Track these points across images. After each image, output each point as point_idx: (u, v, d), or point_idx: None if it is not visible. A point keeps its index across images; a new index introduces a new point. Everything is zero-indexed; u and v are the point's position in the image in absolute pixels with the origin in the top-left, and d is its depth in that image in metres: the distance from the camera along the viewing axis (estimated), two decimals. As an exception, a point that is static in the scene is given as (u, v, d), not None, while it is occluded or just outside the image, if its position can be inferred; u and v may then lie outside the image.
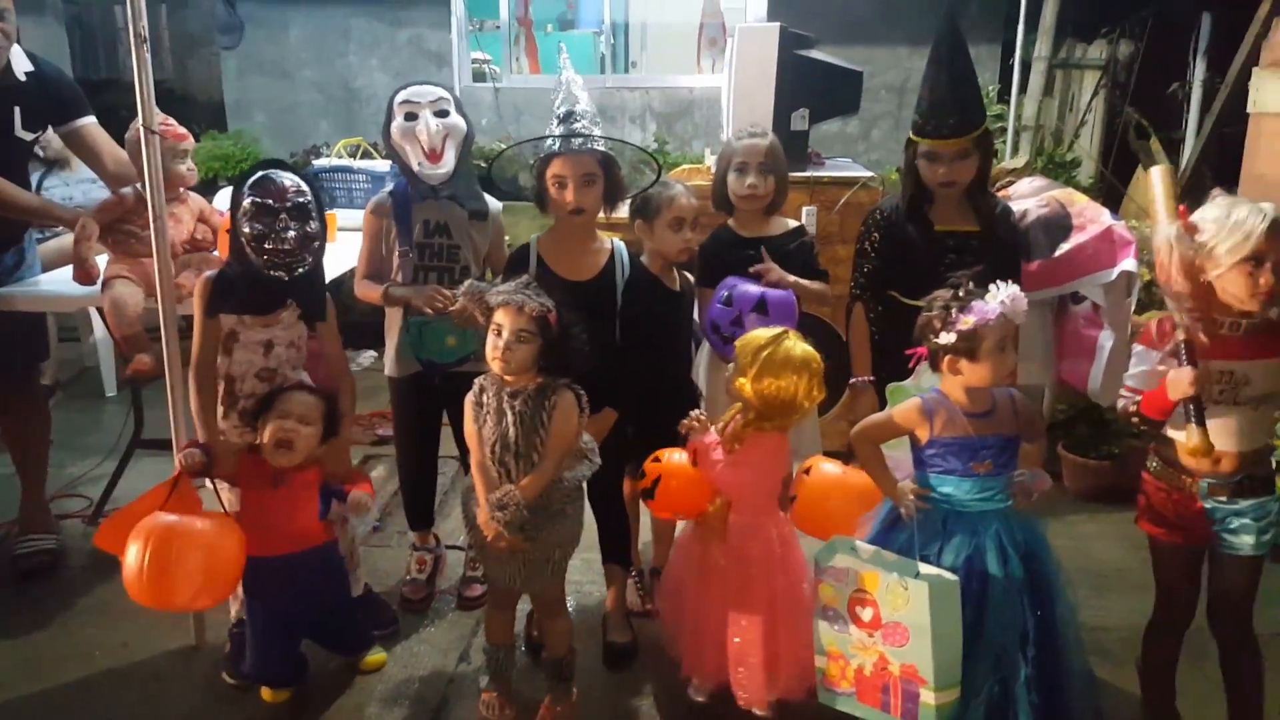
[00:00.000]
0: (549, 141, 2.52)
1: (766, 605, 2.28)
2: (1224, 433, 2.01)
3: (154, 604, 2.24)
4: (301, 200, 2.36)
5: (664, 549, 2.93)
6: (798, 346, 2.22)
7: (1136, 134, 5.24)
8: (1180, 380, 1.94)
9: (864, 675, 2.15)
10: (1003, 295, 2.00)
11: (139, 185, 2.86)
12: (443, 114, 2.70)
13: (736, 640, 2.30)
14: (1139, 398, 2.08)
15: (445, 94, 2.74)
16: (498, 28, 6.37)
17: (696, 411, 2.38)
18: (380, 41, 5.98)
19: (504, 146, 3.03)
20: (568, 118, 2.51)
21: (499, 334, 2.12)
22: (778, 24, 3.61)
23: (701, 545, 2.38)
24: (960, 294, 2.04)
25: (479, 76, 6.05)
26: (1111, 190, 5.15)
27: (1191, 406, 1.93)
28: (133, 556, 2.18)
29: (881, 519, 2.27)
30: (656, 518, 2.90)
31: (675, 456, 2.37)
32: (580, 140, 2.48)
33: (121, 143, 2.97)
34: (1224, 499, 2.06)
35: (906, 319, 2.34)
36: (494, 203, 2.84)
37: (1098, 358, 2.94)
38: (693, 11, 7.08)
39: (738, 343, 2.29)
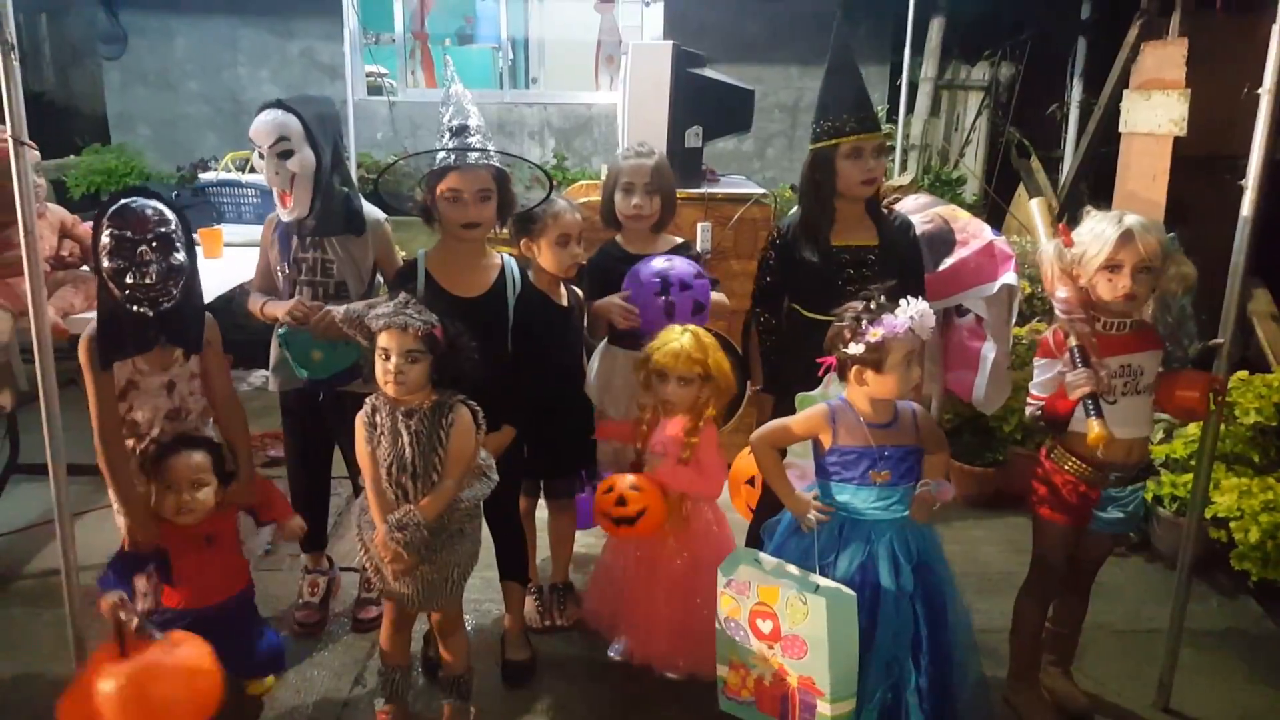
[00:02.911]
0: (442, 154, 2.43)
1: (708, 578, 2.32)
2: (1135, 420, 2.24)
3: None
4: (163, 230, 2.22)
5: (563, 565, 2.93)
6: (674, 338, 2.38)
7: (1018, 153, 5.47)
8: (1076, 381, 2.12)
9: (764, 685, 2.18)
10: (912, 310, 2.07)
11: None
12: (286, 155, 2.56)
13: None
14: (1043, 404, 2.25)
15: (288, 129, 2.56)
16: (394, 41, 6.30)
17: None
18: (270, 53, 5.85)
19: (393, 159, 2.97)
20: (460, 131, 2.43)
21: (387, 357, 2.08)
22: (670, 42, 3.65)
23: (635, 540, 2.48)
24: (871, 306, 2.11)
25: (374, 90, 5.96)
26: (995, 207, 5.37)
27: (1089, 402, 2.11)
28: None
29: (783, 528, 2.31)
30: (556, 535, 2.90)
31: (628, 481, 2.41)
32: (477, 155, 2.42)
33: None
34: (1118, 488, 2.29)
35: (810, 332, 2.39)
36: (375, 213, 2.76)
37: (981, 368, 3.04)
38: (591, 29, 7.12)
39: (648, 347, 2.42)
